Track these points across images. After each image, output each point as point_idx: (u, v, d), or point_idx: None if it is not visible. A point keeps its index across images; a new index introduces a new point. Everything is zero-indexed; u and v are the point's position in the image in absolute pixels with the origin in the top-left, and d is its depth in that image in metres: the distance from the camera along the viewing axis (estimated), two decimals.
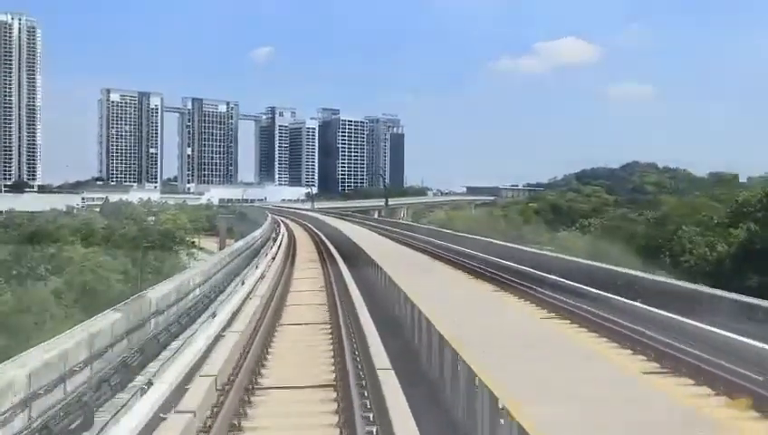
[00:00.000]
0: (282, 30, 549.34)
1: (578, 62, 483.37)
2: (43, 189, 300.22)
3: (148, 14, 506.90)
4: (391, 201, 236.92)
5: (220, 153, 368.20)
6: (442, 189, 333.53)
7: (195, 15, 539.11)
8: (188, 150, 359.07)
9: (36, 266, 65.93)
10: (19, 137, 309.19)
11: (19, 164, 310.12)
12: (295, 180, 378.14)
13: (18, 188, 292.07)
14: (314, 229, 66.00)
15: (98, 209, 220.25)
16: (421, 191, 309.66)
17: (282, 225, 77.17)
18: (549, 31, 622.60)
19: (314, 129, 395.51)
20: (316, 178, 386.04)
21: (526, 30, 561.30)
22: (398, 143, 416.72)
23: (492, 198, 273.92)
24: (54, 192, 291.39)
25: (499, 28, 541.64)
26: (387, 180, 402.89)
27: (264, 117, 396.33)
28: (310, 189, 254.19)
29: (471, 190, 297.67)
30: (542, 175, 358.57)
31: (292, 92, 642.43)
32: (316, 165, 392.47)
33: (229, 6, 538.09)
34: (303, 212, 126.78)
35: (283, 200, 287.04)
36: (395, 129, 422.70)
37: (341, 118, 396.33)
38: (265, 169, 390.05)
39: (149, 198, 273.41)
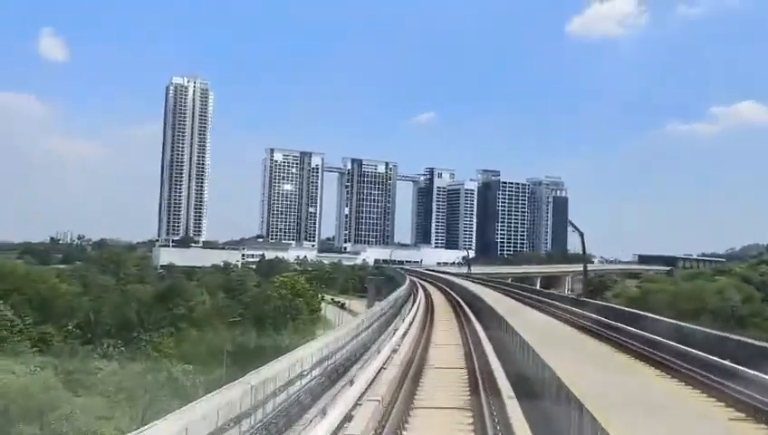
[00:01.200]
0: (442, 92, 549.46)
1: (757, 126, 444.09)
2: (208, 245, 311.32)
3: (312, 77, 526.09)
4: (553, 268, 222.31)
5: (377, 213, 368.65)
6: (607, 257, 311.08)
7: (354, 77, 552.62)
8: (346, 210, 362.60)
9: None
10: (188, 194, 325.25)
11: (187, 220, 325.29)
12: (452, 243, 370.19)
13: (185, 243, 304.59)
14: (458, 299, 57.29)
15: (254, 266, 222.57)
16: (586, 259, 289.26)
17: (420, 289, 70.87)
18: (719, 95, 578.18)
19: (473, 190, 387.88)
20: (474, 241, 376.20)
21: (695, 93, 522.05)
22: (561, 207, 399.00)
23: (667, 268, 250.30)
24: (218, 248, 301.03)
25: (666, 90, 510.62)
26: (548, 245, 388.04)
27: (423, 178, 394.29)
28: (467, 253, 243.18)
29: (643, 259, 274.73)
30: (716, 244, 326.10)
31: (450, 153, 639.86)
32: (474, 228, 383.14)
33: (389, 70, 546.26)
34: (452, 278, 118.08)
35: (439, 263, 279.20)
36: (558, 191, 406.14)
37: (502, 179, 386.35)
38: (422, 231, 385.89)
39: (305, 257, 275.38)
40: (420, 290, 64.29)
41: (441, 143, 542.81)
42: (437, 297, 61.89)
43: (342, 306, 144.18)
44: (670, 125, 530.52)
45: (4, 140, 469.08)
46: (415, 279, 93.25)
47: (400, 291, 67.60)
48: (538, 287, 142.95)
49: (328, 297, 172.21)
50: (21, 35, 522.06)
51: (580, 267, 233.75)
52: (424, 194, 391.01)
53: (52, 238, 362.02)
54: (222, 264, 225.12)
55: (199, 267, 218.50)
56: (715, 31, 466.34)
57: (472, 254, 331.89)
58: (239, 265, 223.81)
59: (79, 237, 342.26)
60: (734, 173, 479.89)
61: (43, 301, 75.65)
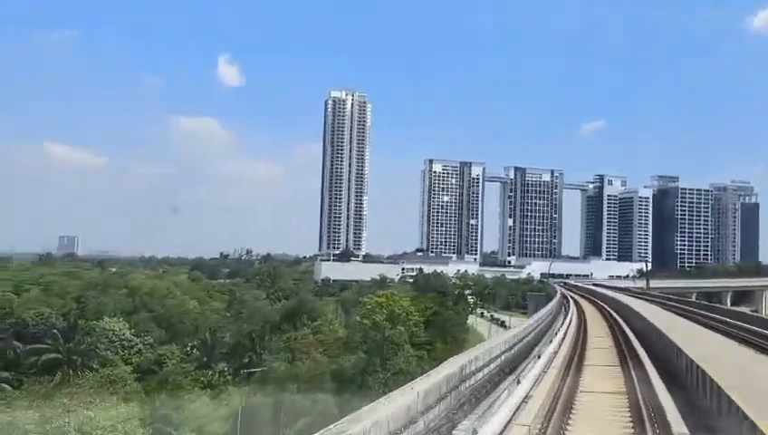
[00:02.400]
0: (612, 99, 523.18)
1: None
2: (368, 259, 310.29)
3: (471, 87, 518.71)
4: (746, 281, 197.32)
5: (543, 225, 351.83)
6: None
7: (516, 87, 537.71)
8: (509, 221, 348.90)
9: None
10: (348, 208, 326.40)
11: (347, 234, 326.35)
12: (625, 255, 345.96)
13: (344, 257, 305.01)
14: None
15: (411, 280, 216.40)
16: None
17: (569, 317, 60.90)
18: None
19: (648, 198, 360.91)
20: (650, 252, 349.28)
21: None
22: (750, 214, 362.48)
23: None
24: (378, 262, 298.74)
25: None
26: (736, 257, 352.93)
27: (591, 186, 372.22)
28: (644, 266, 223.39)
29: None
30: None
31: (621, 160, 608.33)
32: (650, 238, 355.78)
33: (554, 79, 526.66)
34: (619, 297, 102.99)
35: (611, 277, 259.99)
36: (747, 197, 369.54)
37: (681, 186, 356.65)
38: (591, 243, 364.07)
39: (466, 271, 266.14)
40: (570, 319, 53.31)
41: (611, 150, 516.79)
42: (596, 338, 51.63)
43: (502, 324, 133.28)
44: None
45: (191, 163, 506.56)
46: (573, 299, 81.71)
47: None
48: (728, 305, 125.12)
49: (488, 314, 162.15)
50: (203, 63, 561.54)
51: None
52: (593, 203, 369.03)
53: (221, 254, 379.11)
54: (378, 277, 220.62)
55: (356, 281, 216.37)
56: None
57: (649, 266, 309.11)
58: (395, 280, 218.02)
59: (247, 252, 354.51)
60: None
61: (171, 318, 72.41)
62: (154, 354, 60.37)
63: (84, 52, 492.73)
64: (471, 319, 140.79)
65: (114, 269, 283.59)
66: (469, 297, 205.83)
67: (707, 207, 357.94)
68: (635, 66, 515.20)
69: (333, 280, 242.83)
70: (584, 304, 72.08)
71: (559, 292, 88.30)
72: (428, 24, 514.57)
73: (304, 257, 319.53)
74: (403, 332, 60.84)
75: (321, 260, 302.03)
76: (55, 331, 52.91)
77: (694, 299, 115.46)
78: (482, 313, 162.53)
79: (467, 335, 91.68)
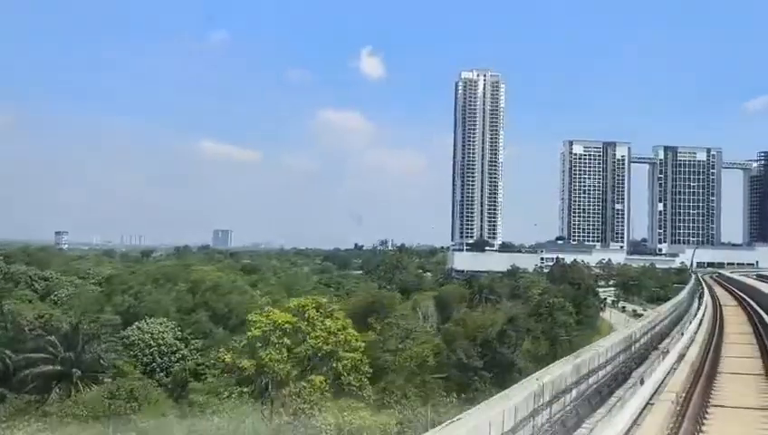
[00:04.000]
0: None
1: None
2: (505, 248, 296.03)
3: (614, 60, 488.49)
4: None
5: (698, 209, 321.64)
6: None
7: (667, 61, 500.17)
8: (660, 206, 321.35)
9: None
10: (481, 195, 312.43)
11: (481, 222, 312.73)
12: None
13: (479, 246, 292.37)
14: None
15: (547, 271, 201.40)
16: None
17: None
18: None
19: None
20: None
21: None
22: None
23: None
24: (515, 251, 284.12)
25: None
26: None
27: (756, 164, 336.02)
28: None
29: None
30: None
31: None
32: None
33: (709, 54, 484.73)
34: None
35: None
36: None
37: None
38: (757, 228, 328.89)
39: (610, 260, 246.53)
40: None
41: None
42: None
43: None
44: None
45: (336, 155, 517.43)
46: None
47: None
48: None
49: (630, 308, 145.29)
50: (347, 56, 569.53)
51: None
52: (759, 183, 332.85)
53: (355, 244, 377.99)
54: (510, 268, 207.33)
55: (486, 272, 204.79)
56: None
57: None
58: (529, 270, 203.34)
59: (381, 243, 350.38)
60: None
61: (230, 318, 64.23)
62: (193, 365, 52.17)
63: (236, 52, 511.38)
64: (610, 314, 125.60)
65: (247, 260, 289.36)
66: (609, 289, 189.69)
67: None
68: None
69: (466, 271, 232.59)
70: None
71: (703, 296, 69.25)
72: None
73: (441, 248, 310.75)
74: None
75: (454, 250, 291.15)
76: (52, 337, 45.59)
77: None
78: (623, 307, 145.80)
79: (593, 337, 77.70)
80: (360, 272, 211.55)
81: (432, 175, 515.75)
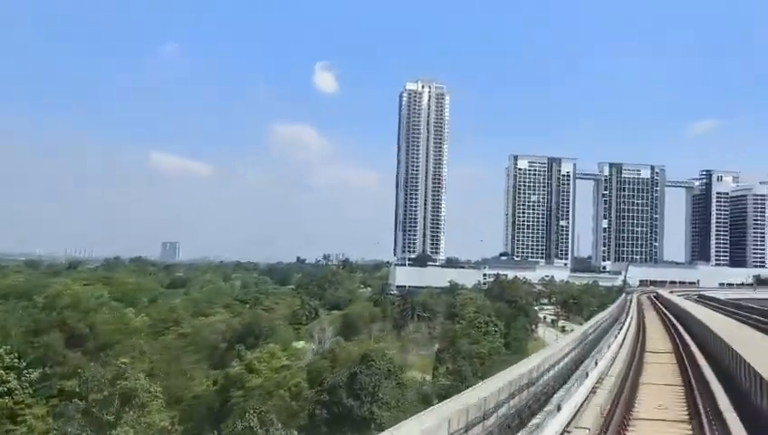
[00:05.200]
0: (726, 97, 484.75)
1: None
2: (450, 264, 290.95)
3: (558, 76, 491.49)
4: None
5: (642, 226, 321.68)
6: None
7: (614, 79, 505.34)
8: (604, 223, 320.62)
9: None
10: (425, 208, 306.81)
11: (424, 237, 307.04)
12: (738, 260, 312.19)
13: (421, 262, 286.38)
14: None
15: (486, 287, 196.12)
16: None
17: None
18: None
19: (765, 196, 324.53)
20: (767, 257, 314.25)
21: None
22: None
23: None
24: (457, 267, 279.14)
25: None
26: None
27: (698, 183, 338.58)
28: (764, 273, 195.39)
29: None
30: None
31: (733, 156, 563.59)
32: (767, 242, 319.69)
33: (656, 73, 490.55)
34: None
35: (721, 285, 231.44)
36: None
37: None
38: (698, 247, 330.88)
39: (552, 277, 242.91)
40: None
41: (721, 147, 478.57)
42: None
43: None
44: None
45: (288, 169, 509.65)
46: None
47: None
48: None
49: (570, 327, 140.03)
50: (301, 70, 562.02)
51: None
52: (700, 202, 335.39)
53: (297, 258, 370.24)
54: (449, 284, 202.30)
55: (424, 288, 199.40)
56: None
57: (765, 273, 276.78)
58: (468, 287, 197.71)
59: (324, 257, 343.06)
60: None
61: (89, 340, 55.78)
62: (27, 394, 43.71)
63: (186, 64, 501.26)
64: (547, 333, 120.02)
65: (180, 273, 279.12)
66: (550, 307, 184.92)
67: None
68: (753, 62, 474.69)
69: (408, 286, 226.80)
70: None
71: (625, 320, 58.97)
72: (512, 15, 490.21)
73: (387, 263, 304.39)
74: None
75: (396, 265, 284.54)
76: None
77: None
78: (563, 326, 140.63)
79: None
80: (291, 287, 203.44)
81: (382, 189, 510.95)
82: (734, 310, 59.55)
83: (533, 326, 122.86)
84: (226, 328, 53.90)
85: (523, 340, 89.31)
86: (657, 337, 46.66)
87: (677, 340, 41.96)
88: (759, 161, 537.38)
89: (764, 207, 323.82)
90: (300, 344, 77.40)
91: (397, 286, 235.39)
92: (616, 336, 41.58)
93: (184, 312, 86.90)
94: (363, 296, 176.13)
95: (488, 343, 79.48)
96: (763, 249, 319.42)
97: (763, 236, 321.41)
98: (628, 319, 56.58)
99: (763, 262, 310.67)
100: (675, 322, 58.17)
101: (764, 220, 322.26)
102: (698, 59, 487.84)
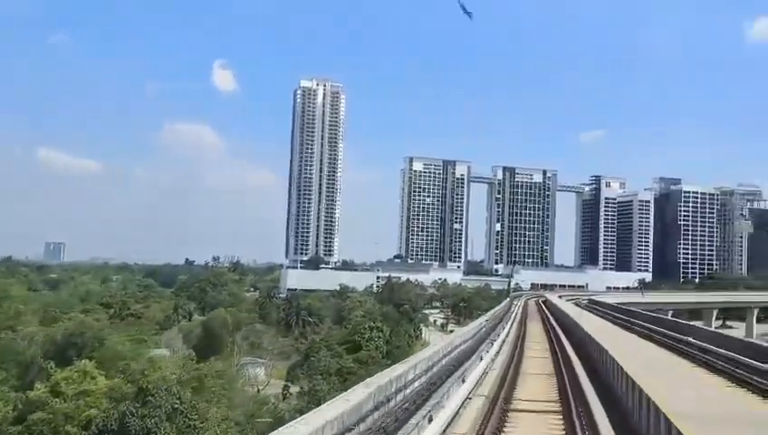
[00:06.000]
0: (614, 108, 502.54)
1: None
2: (344, 266, 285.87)
3: (457, 79, 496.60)
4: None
5: (534, 230, 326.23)
6: None
7: (508, 87, 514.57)
8: (497, 226, 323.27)
9: None
10: (318, 209, 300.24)
11: (317, 238, 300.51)
12: (624, 264, 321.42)
13: (314, 264, 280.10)
14: None
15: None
16: None
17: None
18: None
19: (649, 202, 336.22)
20: (650, 262, 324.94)
21: None
22: (760, 220, 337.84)
23: None
24: (351, 270, 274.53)
25: None
26: (743, 267, 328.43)
27: (588, 188, 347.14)
28: (644, 276, 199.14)
29: None
30: None
31: (620, 164, 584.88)
32: (651, 246, 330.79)
33: (551, 83, 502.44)
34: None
35: (608, 289, 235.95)
36: (756, 202, 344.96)
37: (684, 189, 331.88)
38: (588, 250, 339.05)
39: (445, 280, 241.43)
40: None
41: (609, 155, 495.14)
42: None
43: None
44: None
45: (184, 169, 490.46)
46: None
47: None
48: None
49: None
50: (198, 68, 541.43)
51: None
52: (589, 207, 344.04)
53: (186, 260, 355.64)
54: (339, 287, 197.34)
55: (314, 292, 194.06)
56: None
57: (649, 277, 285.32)
58: (359, 290, 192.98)
59: (214, 258, 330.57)
60: None
61: None
62: None
63: (77, 56, 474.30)
64: (433, 337, 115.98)
65: (54, 275, 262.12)
66: (443, 310, 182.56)
67: (712, 213, 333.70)
68: (637, 74, 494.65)
69: (299, 289, 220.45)
70: None
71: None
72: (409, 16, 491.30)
73: (281, 265, 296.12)
74: None
75: (288, 268, 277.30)
76: None
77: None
78: (452, 330, 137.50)
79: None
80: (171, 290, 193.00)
81: (279, 189, 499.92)
82: (628, 318, 54.24)
83: (418, 331, 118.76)
84: (45, 339, 46.12)
85: (404, 347, 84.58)
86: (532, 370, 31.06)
87: (566, 380, 26.26)
88: (643, 169, 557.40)
89: (649, 213, 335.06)
90: (159, 351, 69.69)
91: (288, 289, 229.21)
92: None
93: (31, 317, 77.03)
94: (249, 300, 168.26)
95: (366, 351, 74.19)
96: (648, 254, 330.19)
97: (648, 241, 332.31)
98: (501, 337, 44.50)
99: (648, 266, 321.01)
100: (563, 339, 45.43)
101: (649, 225, 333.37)
102: (588, 72, 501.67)
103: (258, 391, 68.17)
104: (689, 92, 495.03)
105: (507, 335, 46.14)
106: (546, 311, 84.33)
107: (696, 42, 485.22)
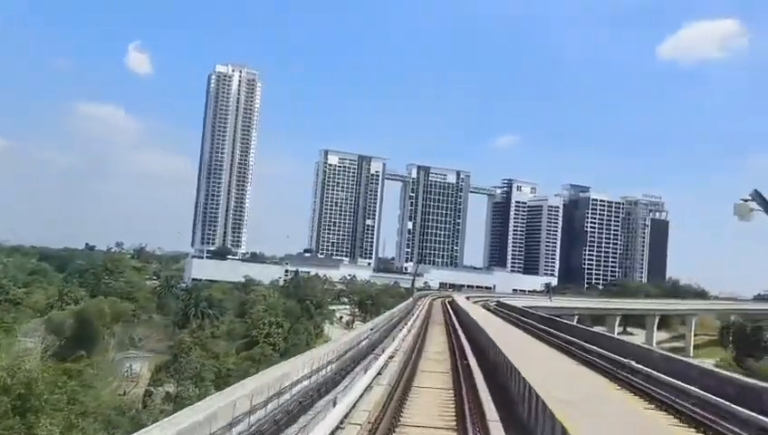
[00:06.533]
0: (527, 115, 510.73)
1: None
2: (253, 258, 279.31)
3: (377, 74, 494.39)
4: (668, 303, 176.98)
5: (445, 230, 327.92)
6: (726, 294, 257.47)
7: (431, 86, 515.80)
8: (409, 224, 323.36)
9: None
10: (228, 199, 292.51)
11: (225, 228, 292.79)
12: (531, 267, 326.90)
13: (221, 254, 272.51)
14: None
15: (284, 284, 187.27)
16: (701, 293, 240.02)
17: None
18: None
19: (558, 208, 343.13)
20: (557, 266, 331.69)
21: None
22: (660, 231, 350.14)
23: None
24: (259, 262, 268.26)
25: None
26: (643, 275, 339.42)
27: (499, 191, 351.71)
28: (550, 279, 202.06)
29: None
30: None
31: (533, 169, 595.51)
32: (558, 251, 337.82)
33: (469, 85, 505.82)
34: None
35: (515, 291, 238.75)
36: (658, 213, 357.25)
37: (592, 196, 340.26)
38: (497, 252, 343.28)
39: (354, 277, 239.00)
40: None
41: (522, 161, 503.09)
42: None
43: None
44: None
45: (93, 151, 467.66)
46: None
47: None
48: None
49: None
50: (113, 49, 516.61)
51: (709, 305, 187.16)
52: (500, 210, 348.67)
53: (86, 245, 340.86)
54: (244, 279, 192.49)
55: (216, 282, 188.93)
56: None
57: (555, 281, 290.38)
58: (265, 282, 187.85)
59: (117, 244, 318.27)
60: None
61: None
62: None
63: None
64: (335, 333, 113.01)
65: None
66: (348, 307, 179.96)
67: (617, 221, 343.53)
68: (550, 84, 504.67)
69: (204, 280, 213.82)
70: None
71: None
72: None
73: (187, 255, 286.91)
74: None
75: (193, 257, 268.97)
76: None
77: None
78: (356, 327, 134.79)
79: None
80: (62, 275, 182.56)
81: (192, 178, 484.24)
82: (545, 328, 45.85)
83: (319, 329, 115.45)
84: None
85: (301, 344, 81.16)
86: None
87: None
88: (554, 176, 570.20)
89: (558, 219, 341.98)
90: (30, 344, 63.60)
91: (192, 279, 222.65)
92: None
93: None
94: (147, 289, 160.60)
95: (260, 349, 70.35)
96: (555, 258, 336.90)
97: (555, 246, 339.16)
98: (389, 351, 31.90)
99: (554, 270, 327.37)
100: (471, 360, 30.09)
101: (557, 231, 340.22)
102: (503, 77, 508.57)
103: (125, 393, 62.89)
104: (601, 102, 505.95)
105: (396, 351, 32.50)
106: (452, 315, 72.19)
107: (608, 54, 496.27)
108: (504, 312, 77.10)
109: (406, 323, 54.47)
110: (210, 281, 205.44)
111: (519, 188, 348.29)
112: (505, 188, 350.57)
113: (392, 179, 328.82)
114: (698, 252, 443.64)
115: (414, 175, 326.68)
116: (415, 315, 67.20)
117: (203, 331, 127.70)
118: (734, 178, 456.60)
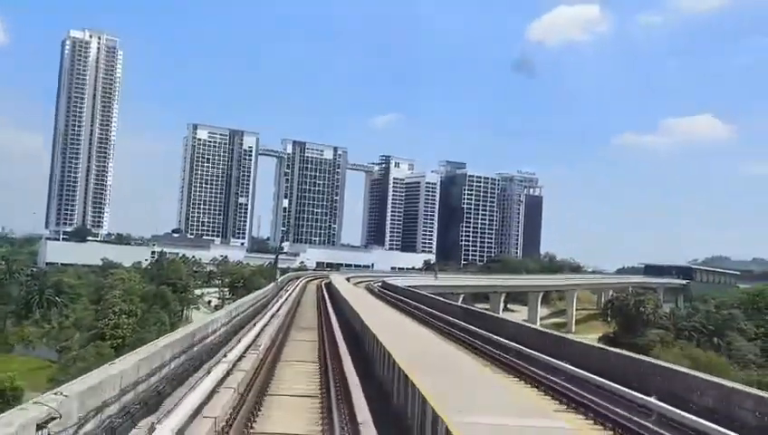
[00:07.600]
0: (403, 92, 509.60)
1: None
2: (117, 239, 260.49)
3: (252, 41, 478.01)
4: (552, 278, 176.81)
5: (322, 208, 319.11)
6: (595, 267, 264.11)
7: (304, 59, 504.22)
8: (285, 202, 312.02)
9: None
10: (87, 176, 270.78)
11: (84, 208, 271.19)
12: (409, 245, 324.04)
13: (80, 235, 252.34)
14: None
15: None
16: (576, 268, 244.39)
17: None
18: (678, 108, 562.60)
19: (435, 184, 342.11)
20: (434, 243, 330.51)
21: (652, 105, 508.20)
22: (534, 207, 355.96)
23: (683, 281, 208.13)
24: (123, 244, 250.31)
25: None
26: (519, 251, 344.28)
27: (377, 167, 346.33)
28: (430, 257, 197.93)
29: (651, 270, 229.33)
30: (673, 256, 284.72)
31: (411, 146, 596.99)
32: (435, 228, 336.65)
33: (345, 63, 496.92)
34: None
35: (393, 269, 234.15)
36: (532, 190, 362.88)
37: (468, 173, 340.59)
38: (374, 230, 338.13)
39: (226, 257, 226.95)
40: None
41: (401, 138, 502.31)
42: None
43: None
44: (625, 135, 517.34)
45: None
46: None
47: None
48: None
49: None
50: None
51: (578, 279, 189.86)
52: (378, 187, 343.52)
53: None
54: (102, 262, 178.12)
55: (71, 265, 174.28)
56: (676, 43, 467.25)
57: (433, 258, 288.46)
58: (126, 265, 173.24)
59: None
60: (687, 185, 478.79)
61: None
62: None
63: None
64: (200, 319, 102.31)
65: None
66: (220, 290, 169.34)
67: (493, 197, 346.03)
68: (425, 62, 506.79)
69: (59, 263, 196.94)
70: None
71: None
72: None
73: (41, 237, 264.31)
74: None
75: (47, 239, 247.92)
76: None
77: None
78: None
79: None
80: None
81: (47, 153, 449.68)
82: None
83: (177, 316, 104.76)
84: None
85: (149, 338, 70.99)
86: None
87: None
88: (432, 153, 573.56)
89: (435, 195, 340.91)
90: None
91: (47, 263, 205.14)
92: None
93: None
94: None
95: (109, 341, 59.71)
96: (432, 235, 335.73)
97: (433, 223, 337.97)
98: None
99: (432, 247, 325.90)
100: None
101: (434, 207, 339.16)
102: (378, 58, 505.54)
103: None
104: (474, 80, 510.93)
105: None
106: (329, 306, 52.27)
107: (479, 34, 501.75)
108: (394, 297, 65.79)
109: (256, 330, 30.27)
110: (67, 265, 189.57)
111: (397, 165, 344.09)
112: (383, 165, 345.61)
113: (266, 155, 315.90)
114: (568, 228, 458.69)
115: (289, 150, 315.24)
116: (267, 316, 39.68)
117: (48, 322, 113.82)
118: (599, 156, 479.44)
